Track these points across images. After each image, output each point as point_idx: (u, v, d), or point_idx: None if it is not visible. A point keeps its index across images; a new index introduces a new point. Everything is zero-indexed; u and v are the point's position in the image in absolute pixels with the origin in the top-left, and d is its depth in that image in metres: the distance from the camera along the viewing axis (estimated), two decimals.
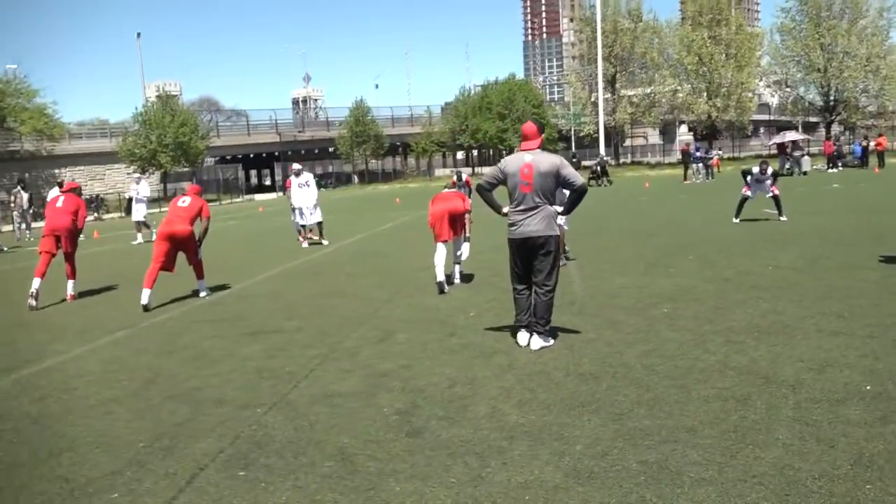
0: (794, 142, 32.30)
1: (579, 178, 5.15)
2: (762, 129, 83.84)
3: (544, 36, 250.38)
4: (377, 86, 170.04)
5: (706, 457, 3.36)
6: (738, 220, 13.47)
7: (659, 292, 7.28)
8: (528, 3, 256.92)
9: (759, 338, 5.34)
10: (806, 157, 32.42)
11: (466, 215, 8.49)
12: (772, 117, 76.53)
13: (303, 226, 14.18)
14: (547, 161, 5.03)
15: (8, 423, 4.51)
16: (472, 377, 4.83)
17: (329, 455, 3.67)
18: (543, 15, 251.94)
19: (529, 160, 4.99)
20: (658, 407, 4.05)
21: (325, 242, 14.02)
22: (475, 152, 74.82)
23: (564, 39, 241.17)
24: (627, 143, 74.48)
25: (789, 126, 65.83)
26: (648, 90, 56.21)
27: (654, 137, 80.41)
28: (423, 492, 3.19)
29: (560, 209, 5.27)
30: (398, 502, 3.12)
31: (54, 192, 21.43)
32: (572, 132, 63.81)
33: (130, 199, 17.71)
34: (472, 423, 3.99)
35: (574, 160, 34.25)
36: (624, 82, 57.35)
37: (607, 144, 54.22)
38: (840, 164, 33.41)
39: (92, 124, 77.05)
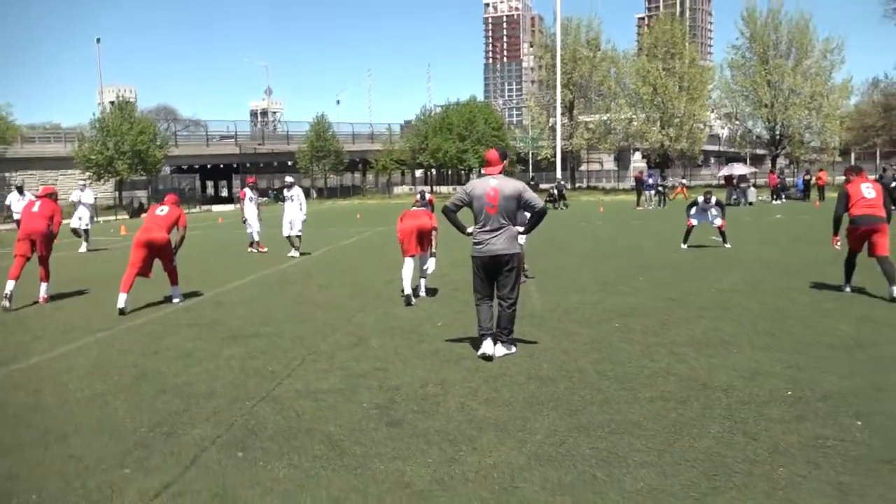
0: (741, 175, 33.73)
1: (540, 201, 5.70)
2: (712, 159, 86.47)
3: (505, 60, 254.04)
4: (338, 101, 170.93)
5: (648, 445, 3.90)
6: (685, 246, 14.22)
7: (612, 309, 7.88)
8: (490, 27, 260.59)
9: (699, 350, 5.94)
10: (752, 189, 33.87)
11: (433, 232, 8.97)
12: (721, 148, 79.11)
13: (287, 237, 14.57)
14: (510, 185, 5.57)
15: (9, 411, 4.83)
16: (443, 378, 5.31)
17: (318, 440, 4.11)
18: (504, 39, 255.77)
19: (495, 184, 5.52)
20: (608, 405, 4.59)
21: (296, 255, 14.31)
22: (433, 171, 75.63)
23: (524, 64, 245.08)
24: (583, 167, 76.17)
25: (738, 157, 68.14)
26: (605, 117, 57.83)
27: (609, 163, 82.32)
28: (404, 470, 3.66)
29: (521, 229, 5.79)
30: (383, 479, 3.58)
31: (14, 195, 21.39)
32: (530, 155, 65.06)
33: (73, 205, 18.06)
34: (444, 416, 4.47)
35: (531, 183, 35.20)
36: (581, 109, 58.90)
37: (563, 169, 55.46)
38: (784, 197, 34.99)
39: (44, 128, 75.57)
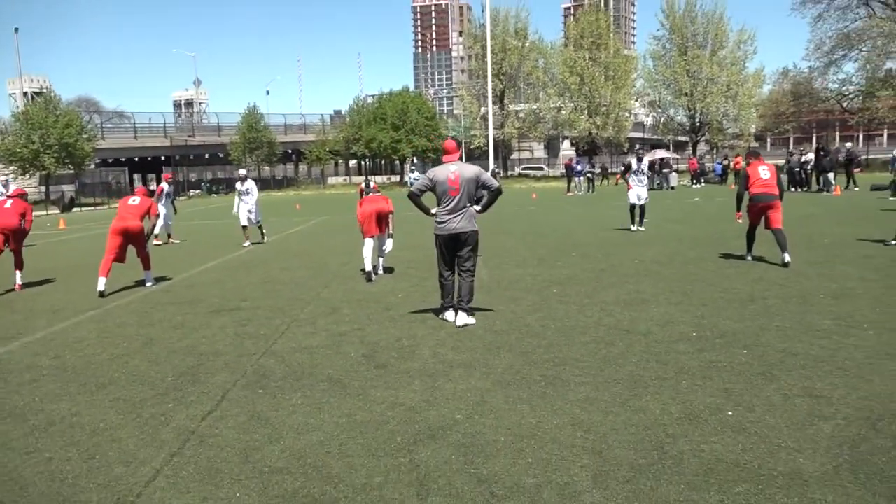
0: (662, 159, 35.70)
1: (495, 182, 6.71)
2: (637, 146, 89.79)
3: (434, 49, 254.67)
4: (268, 92, 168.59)
5: (584, 372, 4.99)
6: (635, 228, 14.62)
7: (549, 279, 9.02)
8: (419, 16, 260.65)
9: (623, 307, 7.11)
10: (674, 174, 35.90)
11: (390, 215, 9.91)
12: (646, 135, 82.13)
13: (244, 227, 14.82)
14: (469, 170, 6.55)
15: (42, 371, 5.59)
16: (413, 334, 6.31)
17: (321, 379, 5.06)
18: (433, 28, 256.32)
19: (455, 169, 6.48)
20: (551, 348, 5.67)
21: (246, 244, 14.71)
22: (367, 162, 76.10)
23: (454, 53, 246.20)
24: (514, 156, 77.98)
25: (661, 144, 71.22)
26: (534, 106, 59.54)
27: (540, 151, 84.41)
28: (396, 396, 4.65)
29: (478, 208, 6.76)
30: (381, 401, 4.55)
31: None
32: (462, 144, 66.30)
33: None
34: (420, 360, 5.48)
35: (496, 172, 36.61)
36: (512, 98, 60.44)
37: (496, 157, 56.91)
38: (703, 181, 37.18)
39: None
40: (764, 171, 9.68)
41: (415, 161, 38.93)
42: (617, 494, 3.17)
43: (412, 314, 7.18)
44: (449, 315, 6.74)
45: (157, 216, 9.94)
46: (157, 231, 15.77)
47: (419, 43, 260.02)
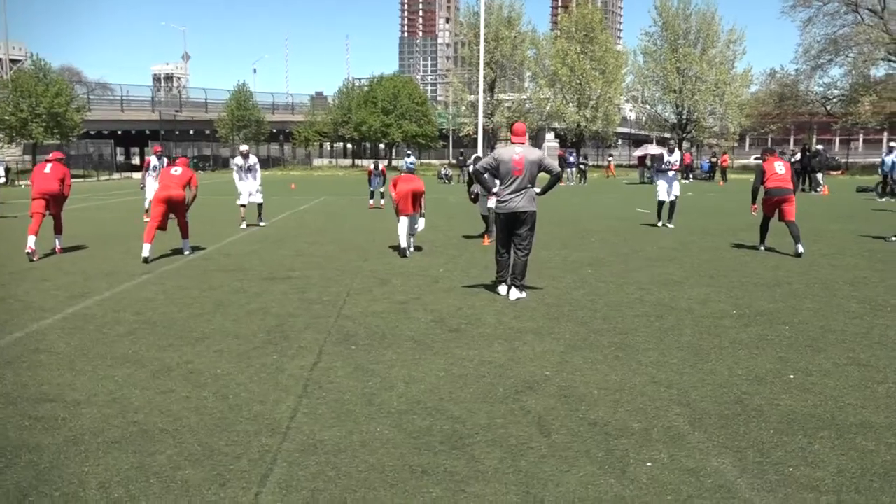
0: (654, 155, 36.23)
1: (557, 167, 7.12)
2: (620, 141, 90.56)
3: (420, 34, 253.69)
4: (255, 70, 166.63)
5: (646, 340, 5.46)
6: (661, 224, 13.73)
7: (578, 260, 9.48)
8: (406, 1, 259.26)
9: (659, 286, 7.59)
10: None
11: (423, 195, 10.30)
12: (630, 130, 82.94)
13: (242, 206, 14.57)
14: (534, 153, 6.95)
15: (133, 326, 5.93)
16: (471, 305, 6.74)
17: (404, 339, 5.47)
18: (420, 14, 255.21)
19: (521, 151, 6.87)
20: (607, 320, 6.13)
21: (262, 223, 14.43)
22: (353, 145, 75.99)
23: (440, 40, 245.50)
24: (499, 145, 78.46)
25: (646, 139, 72.00)
26: (525, 96, 59.95)
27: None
28: (481, 355, 5.08)
29: (538, 190, 7.14)
30: (469, 359, 4.98)
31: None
32: (450, 132, 66.65)
33: None
34: (489, 326, 5.91)
35: (494, 158, 36.94)
36: (503, 87, 60.78)
37: (484, 146, 57.30)
38: (691, 177, 37.91)
39: None
40: (779, 167, 10.21)
41: (410, 147, 39.60)
42: (716, 436, 3.63)
43: (463, 288, 7.59)
44: (501, 289, 7.16)
45: (197, 187, 10.21)
46: (146, 206, 15.71)
47: (405, 28, 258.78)
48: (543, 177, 7.02)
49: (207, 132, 68.27)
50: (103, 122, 60.93)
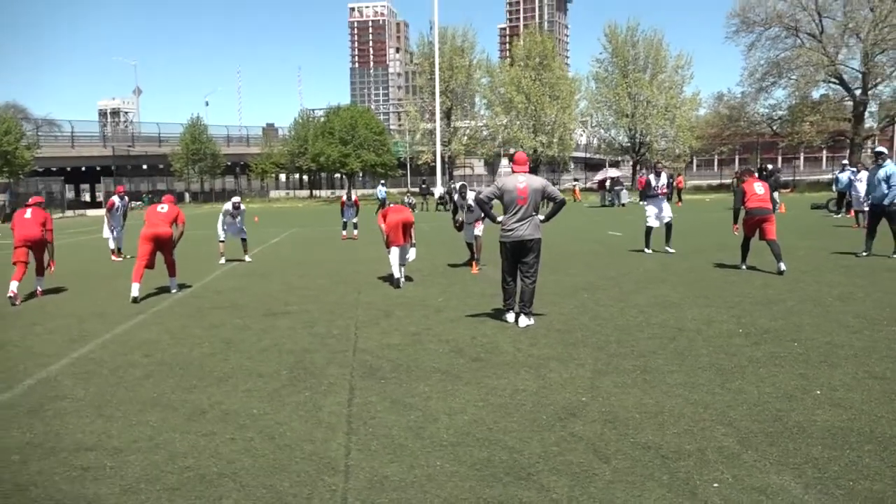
0: (614, 178, 37.09)
1: (560, 194, 7.25)
2: (572, 165, 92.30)
3: (372, 64, 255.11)
4: (207, 103, 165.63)
5: (668, 362, 5.56)
6: (649, 251, 13.28)
7: (571, 285, 9.61)
8: (356, 32, 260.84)
9: (660, 309, 7.74)
10: (624, 191, 37.30)
11: (412, 225, 10.33)
12: (585, 154, 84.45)
13: (221, 241, 14.15)
14: (537, 181, 7.07)
15: (148, 368, 5.80)
16: (483, 333, 6.78)
17: (431, 371, 5.47)
18: (371, 44, 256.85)
19: (524, 180, 6.98)
20: (622, 344, 6.23)
21: (248, 259, 14.19)
22: (310, 176, 75.69)
23: (391, 69, 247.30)
24: (457, 172, 79.11)
25: (600, 163, 73.43)
26: (481, 124, 60.72)
27: (480, 168, 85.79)
28: (514, 383, 5.11)
29: (541, 217, 7.24)
30: (501, 387, 5.00)
31: None
32: (408, 160, 66.89)
33: None
34: (509, 354, 5.95)
35: (465, 188, 37.32)
36: (459, 115, 61.45)
37: (442, 173, 57.73)
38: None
39: None
40: (759, 188, 10.55)
41: (382, 181, 40.21)
42: (768, 454, 3.72)
43: (468, 317, 7.62)
44: (510, 317, 7.22)
45: (184, 224, 10.07)
46: (112, 246, 15.49)
47: (356, 58, 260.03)
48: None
49: (161, 166, 67.34)
50: (53, 158, 59.69)
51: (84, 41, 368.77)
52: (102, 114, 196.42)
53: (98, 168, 64.42)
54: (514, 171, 7.13)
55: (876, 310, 7.36)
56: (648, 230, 13.45)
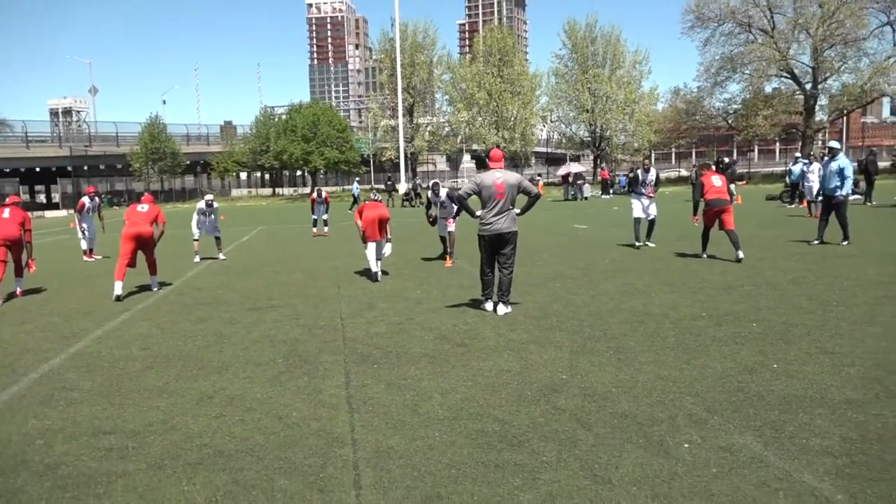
0: (577, 173, 37.82)
1: (535, 189, 7.65)
2: (534, 160, 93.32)
3: (331, 61, 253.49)
4: (164, 101, 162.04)
5: (639, 343, 6.00)
6: (639, 245, 13.11)
7: (542, 275, 10.05)
8: (314, 28, 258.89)
9: (628, 296, 8.21)
10: (587, 185, 38.07)
11: (388, 221, 10.66)
12: (547, 149, 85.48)
13: (196, 240, 14.21)
14: (513, 176, 7.45)
15: (148, 361, 6.06)
16: (465, 322, 7.15)
17: (419, 356, 5.83)
18: (329, 41, 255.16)
19: (500, 176, 7.36)
20: (595, 328, 6.66)
21: (222, 257, 14.30)
22: (272, 174, 75.30)
23: (351, 66, 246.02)
24: (420, 169, 79.44)
25: (561, 157, 74.46)
26: (443, 120, 61.13)
27: (442, 164, 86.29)
28: (498, 364, 5.50)
29: (517, 211, 7.62)
30: (486, 369, 5.38)
31: None
32: (371, 157, 66.99)
33: None
34: (491, 340, 6.33)
35: (434, 185, 37.69)
36: (421, 112, 61.76)
37: (406, 170, 58.02)
38: (611, 192, 39.59)
39: None
40: (717, 180, 11.11)
41: (357, 178, 40.67)
42: (732, 419, 4.17)
43: (448, 308, 7.99)
44: (488, 306, 7.61)
45: (165, 223, 10.24)
46: (84, 247, 15.53)
47: (315, 55, 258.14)
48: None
49: (120, 166, 66.37)
50: (7, 159, 58.44)
51: (31, 38, 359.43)
52: (54, 113, 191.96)
53: (54, 169, 63.26)
54: (490, 167, 7.51)
55: (827, 292, 7.92)
56: (636, 221, 13.31)
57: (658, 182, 13.30)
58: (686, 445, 3.80)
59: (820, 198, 17.40)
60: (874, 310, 6.91)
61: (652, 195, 13.23)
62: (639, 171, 13.50)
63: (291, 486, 3.47)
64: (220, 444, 4.05)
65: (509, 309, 7.47)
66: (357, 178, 39.21)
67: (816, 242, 12.38)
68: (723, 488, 3.28)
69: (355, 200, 33.17)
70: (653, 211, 13.31)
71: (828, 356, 5.39)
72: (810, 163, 20.51)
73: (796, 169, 22.65)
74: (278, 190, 74.33)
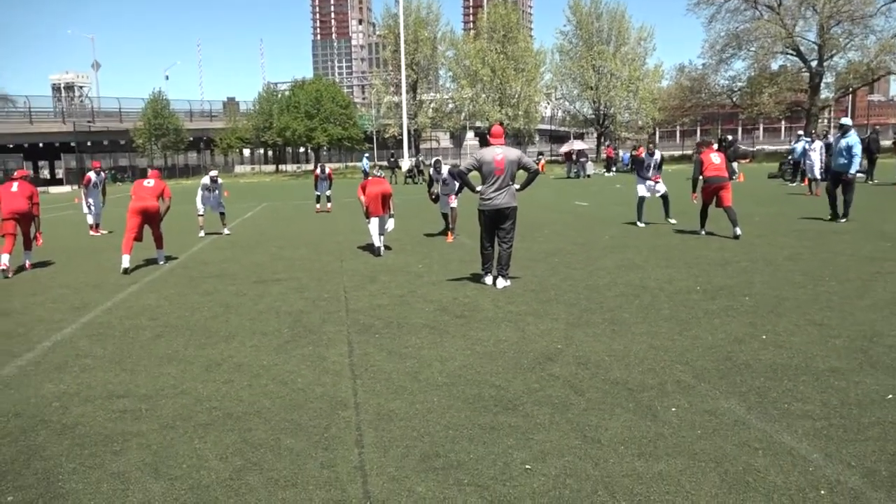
0: (580, 150, 37.80)
1: (534, 164, 7.78)
2: (537, 137, 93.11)
3: (334, 37, 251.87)
4: (167, 77, 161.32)
5: (633, 315, 6.18)
6: (642, 224, 13.09)
7: (542, 251, 10.21)
8: (317, 3, 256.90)
9: (625, 270, 8.37)
10: (590, 163, 38.08)
11: (391, 196, 10.81)
12: (549, 127, 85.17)
13: (201, 215, 14.31)
14: (513, 152, 7.58)
15: (157, 331, 6.25)
16: (465, 294, 7.33)
17: (420, 326, 6.01)
18: (332, 16, 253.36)
19: (500, 152, 7.49)
20: (591, 301, 6.83)
21: (226, 232, 14.44)
22: (276, 150, 75.30)
23: (354, 42, 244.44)
24: (423, 146, 79.30)
25: (565, 135, 74.25)
26: (447, 97, 60.94)
27: (446, 142, 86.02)
28: (496, 335, 5.68)
29: (517, 186, 7.77)
30: (484, 339, 5.57)
31: None
32: (374, 133, 66.90)
33: None
34: (490, 311, 6.51)
35: (457, 164, 37.80)
36: (425, 88, 61.55)
37: (409, 147, 57.98)
38: (614, 170, 39.61)
39: None
40: (715, 157, 11.22)
41: (367, 154, 40.75)
42: (718, 385, 4.34)
43: (449, 281, 8.17)
44: (488, 279, 7.78)
45: (170, 198, 10.40)
46: (90, 222, 15.72)
47: (318, 31, 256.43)
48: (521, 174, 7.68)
49: (123, 142, 66.40)
50: (11, 135, 58.48)
51: (33, 13, 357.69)
52: (56, 88, 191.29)
53: (57, 144, 63.33)
54: (491, 144, 7.64)
55: (820, 268, 8.07)
56: (641, 201, 13.32)
57: (662, 165, 13.24)
58: (673, 409, 3.98)
59: (820, 175, 17.46)
60: (866, 285, 7.06)
61: (657, 180, 13.16)
62: (644, 154, 13.34)
63: (297, 444, 3.66)
64: (228, 408, 4.25)
65: (508, 282, 7.65)
66: (367, 154, 39.25)
67: (844, 220, 12.29)
68: (706, 447, 3.46)
69: (366, 175, 33.29)
70: (661, 188, 13.22)
71: (816, 328, 5.56)
72: (812, 140, 20.54)
73: (798, 147, 22.67)
74: (282, 167, 74.32)
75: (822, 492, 2.99)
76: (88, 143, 64.95)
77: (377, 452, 3.54)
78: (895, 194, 18.06)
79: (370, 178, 10.97)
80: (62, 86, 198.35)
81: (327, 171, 19.56)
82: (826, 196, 13.21)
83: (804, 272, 7.84)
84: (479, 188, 7.64)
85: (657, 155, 13.27)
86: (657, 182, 13.24)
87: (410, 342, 5.54)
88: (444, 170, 12.41)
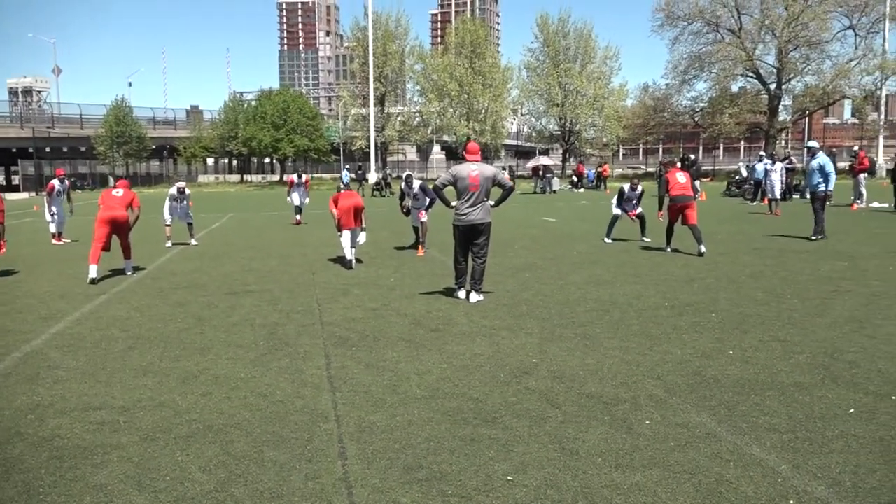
0: (546, 166, 38.27)
1: (509, 181, 7.92)
2: (503, 153, 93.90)
3: (301, 47, 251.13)
4: (130, 83, 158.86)
5: (605, 330, 6.32)
6: (609, 240, 13.31)
7: (513, 266, 10.34)
8: (285, 14, 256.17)
9: (595, 286, 8.54)
10: (556, 179, 38.53)
11: (363, 209, 10.85)
12: (516, 142, 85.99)
13: (167, 225, 14.16)
14: (489, 169, 7.71)
15: (129, 343, 6.21)
16: (438, 308, 7.41)
17: (395, 340, 6.07)
18: (300, 27, 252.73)
19: (476, 168, 7.60)
20: (563, 316, 6.96)
21: (194, 242, 14.28)
22: (241, 160, 74.68)
23: (321, 53, 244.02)
24: (390, 159, 79.36)
25: (531, 150, 75.03)
26: (414, 110, 61.15)
27: (412, 155, 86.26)
28: (471, 349, 5.77)
29: (492, 203, 7.88)
30: (460, 353, 5.65)
31: None
32: (341, 145, 66.74)
33: None
34: (464, 326, 6.60)
35: (403, 176, 37.75)
36: (393, 101, 61.68)
37: (376, 160, 58.01)
38: (581, 186, 40.13)
39: None
40: (681, 177, 11.51)
41: (347, 167, 40.55)
42: (689, 399, 4.49)
43: (422, 294, 8.24)
44: (461, 293, 7.87)
45: (139, 207, 10.31)
46: (52, 230, 15.46)
47: (285, 41, 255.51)
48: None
49: (83, 149, 65.22)
50: None
51: None
52: (13, 93, 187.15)
53: (14, 150, 61.98)
54: (466, 160, 7.75)
55: (782, 286, 8.33)
56: (614, 218, 13.43)
57: (641, 197, 13.31)
58: (647, 422, 4.10)
59: (781, 195, 18.01)
60: (825, 303, 7.32)
61: (633, 216, 13.31)
62: (625, 187, 13.37)
63: (280, 456, 3.70)
64: (209, 420, 4.26)
65: (481, 297, 7.75)
66: (347, 167, 39.13)
67: (817, 238, 12.71)
68: (679, 459, 3.59)
69: (343, 188, 33.18)
70: (638, 208, 13.33)
71: (780, 344, 5.76)
72: (773, 162, 21.14)
73: (760, 167, 23.29)
74: (247, 177, 73.71)
75: (791, 502, 3.13)
76: (47, 150, 63.61)
77: (361, 464, 3.59)
78: (851, 215, 18.65)
79: (342, 191, 11.01)
80: (20, 90, 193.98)
81: (304, 178, 19.41)
82: (783, 216, 13.61)
83: (766, 290, 8.09)
84: (453, 203, 7.74)
85: (639, 189, 13.33)
86: (633, 216, 13.32)
87: (387, 355, 5.60)
88: (416, 184, 12.51)
